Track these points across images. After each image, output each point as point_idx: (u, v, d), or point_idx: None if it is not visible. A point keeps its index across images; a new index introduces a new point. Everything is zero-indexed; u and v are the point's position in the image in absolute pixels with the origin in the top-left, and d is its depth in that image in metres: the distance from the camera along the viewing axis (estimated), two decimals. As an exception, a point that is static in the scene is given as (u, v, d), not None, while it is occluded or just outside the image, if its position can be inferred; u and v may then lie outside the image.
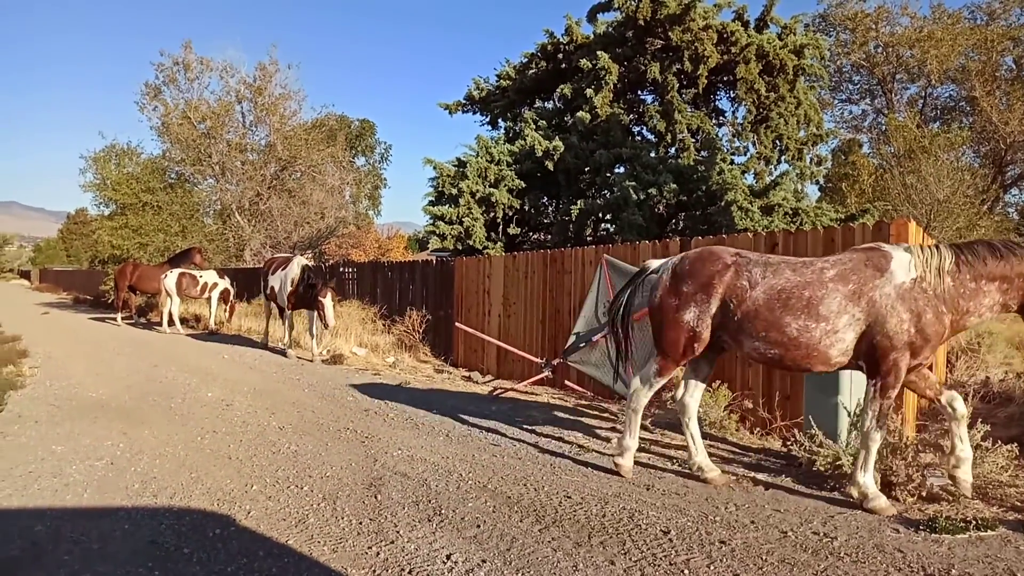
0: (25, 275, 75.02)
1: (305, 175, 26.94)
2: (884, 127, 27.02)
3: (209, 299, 16.71)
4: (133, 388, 8.86)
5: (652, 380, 5.06)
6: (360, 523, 4.18)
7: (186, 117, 24.63)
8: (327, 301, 10.94)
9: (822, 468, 4.78)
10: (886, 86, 30.39)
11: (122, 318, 18.17)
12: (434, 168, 16.88)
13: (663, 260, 5.23)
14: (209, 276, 16.82)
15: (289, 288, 11.82)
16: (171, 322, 16.46)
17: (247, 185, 25.80)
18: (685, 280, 4.84)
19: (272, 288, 12.57)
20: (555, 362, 8.62)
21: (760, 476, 5.01)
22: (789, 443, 5.65)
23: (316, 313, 11.34)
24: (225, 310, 17.14)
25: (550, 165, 15.54)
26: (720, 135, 17.07)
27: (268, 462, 5.54)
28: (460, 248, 15.75)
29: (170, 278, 16.26)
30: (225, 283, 16.86)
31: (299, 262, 12.07)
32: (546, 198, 17.32)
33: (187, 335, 15.95)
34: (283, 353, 12.28)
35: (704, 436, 6.13)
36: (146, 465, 5.43)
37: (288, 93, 26.54)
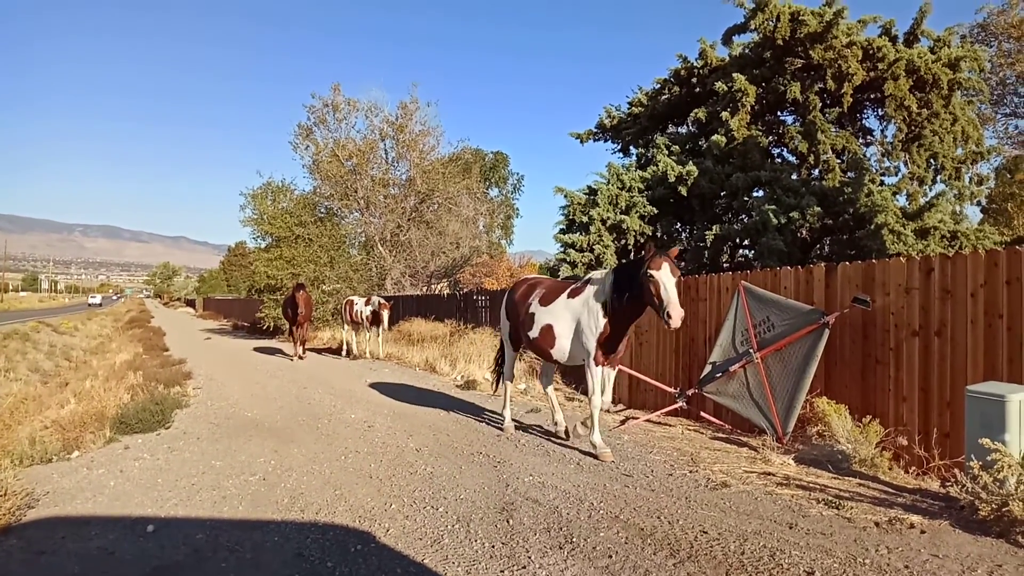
0: (190, 303, 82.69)
1: (442, 207, 28.07)
2: (1056, 142, 24.48)
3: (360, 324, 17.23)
4: (284, 409, 9.48)
5: None
6: (492, 546, 4.24)
7: (334, 155, 26.35)
8: (662, 274, 5.80)
9: (985, 514, 4.35)
10: (1058, 97, 27.52)
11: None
12: (565, 196, 17.01)
13: None
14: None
15: (602, 320, 6.47)
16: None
17: (389, 217, 27.21)
18: None
19: (546, 329, 7.07)
20: (690, 392, 8.40)
21: (915, 518, 4.60)
22: (948, 484, 5.20)
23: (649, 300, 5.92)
24: (378, 334, 17.11)
25: (683, 190, 15.26)
26: (868, 155, 16.10)
27: (406, 482, 5.75)
28: (591, 276, 15.68)
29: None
30: (371, 308, 17.01)
31: (601, 273, 6.84)
32: (679, 224, 16.98)
33: (332, 359, 16.87)
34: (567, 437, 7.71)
35: (853, 474, 5.78)
36: (295, 481, 5.79)
37: (427, 130, 27.94)
